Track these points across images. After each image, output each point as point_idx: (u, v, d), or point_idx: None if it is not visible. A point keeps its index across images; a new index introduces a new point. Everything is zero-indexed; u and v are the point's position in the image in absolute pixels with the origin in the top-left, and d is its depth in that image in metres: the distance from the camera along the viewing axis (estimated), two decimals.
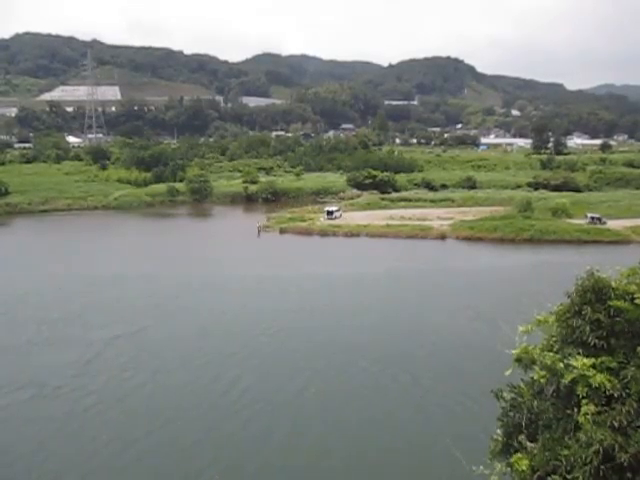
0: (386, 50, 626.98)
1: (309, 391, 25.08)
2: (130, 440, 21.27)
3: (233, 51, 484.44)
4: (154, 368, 27.49)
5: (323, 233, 61.69)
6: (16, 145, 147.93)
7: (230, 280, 42.96)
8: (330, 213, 68.10)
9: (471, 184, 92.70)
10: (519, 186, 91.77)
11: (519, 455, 6.84)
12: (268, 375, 26.66)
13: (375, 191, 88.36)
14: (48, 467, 19.83)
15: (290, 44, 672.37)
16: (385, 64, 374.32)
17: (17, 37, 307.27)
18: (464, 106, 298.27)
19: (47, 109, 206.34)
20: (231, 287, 41.33)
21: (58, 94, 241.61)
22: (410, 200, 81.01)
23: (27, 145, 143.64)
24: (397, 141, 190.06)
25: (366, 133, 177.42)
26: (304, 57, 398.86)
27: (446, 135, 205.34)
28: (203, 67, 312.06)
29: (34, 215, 78.29)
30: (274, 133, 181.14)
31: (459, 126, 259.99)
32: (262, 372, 26.95)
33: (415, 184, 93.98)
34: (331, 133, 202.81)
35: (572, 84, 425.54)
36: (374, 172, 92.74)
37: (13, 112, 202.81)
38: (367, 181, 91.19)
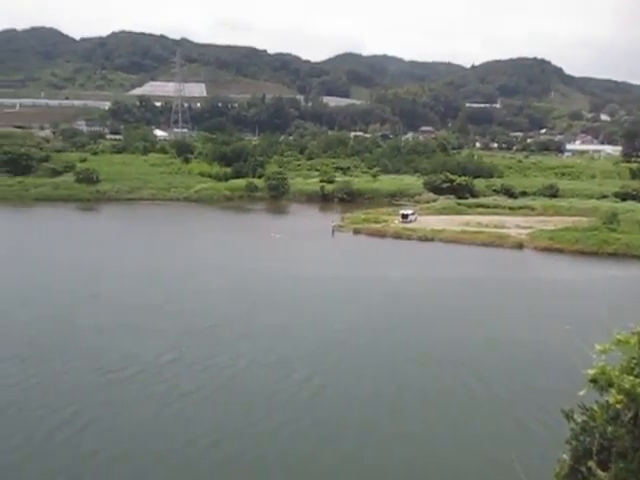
0: (469, 51, 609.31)
1: (381, 395, 25.19)
2: (227, 431, 22.10)
3: (315, 50, 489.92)
4: (234, 361, 28.24)
5: (397, 236, 61.42)
6: (108, 136, 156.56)
7: (304, 278, 43.74)
8: (405, 216, 67.64)
9: (553, 192, 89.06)
10: (605, 196, 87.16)
11: None
12: (342, 376, 26.93)
13: (452, 196, 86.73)
14: (149, 449, 20.89)
15: (371, 44, 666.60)
16: (468, 65, 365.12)
17: (114, 35, 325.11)
18: (549, 110, 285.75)
19: (137, 103, 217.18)
20: (305, 285, 42.10)
21: (148, 89, 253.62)
22: (488, 206, 78.97)
23: (118, 136, 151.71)
24: (477, 145, 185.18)
25: (445, 136, 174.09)
26: (385, 57, 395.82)
27: (529, 140, 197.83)
28: (286, 66, 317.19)
29: (120, 203, 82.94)
30: (352, 133, 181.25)
31: (543, 131, 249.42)
32: (336, 372, 27.27)
33: (494, 190, 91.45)
34: (410, 135, 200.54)
35: None
36: (452, 176, 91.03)
37: (107, 105, 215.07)
38: (444, 185, 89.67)
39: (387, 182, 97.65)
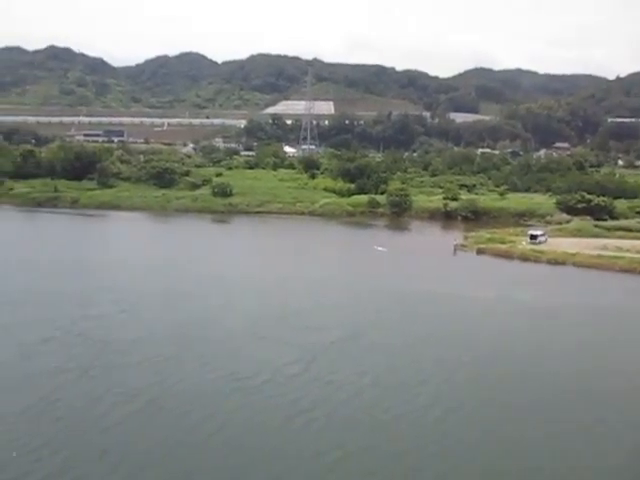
0: (613, 61, 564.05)
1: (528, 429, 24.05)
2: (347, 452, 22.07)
3: (444, 66, 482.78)
4: (358, 378, 28.28)
5: (524, 258, 58.50)
6: (242, 153, 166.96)
7: (424, 297, 43.32)
8: (534, 237, 64.26)
9: None
10: None
11: None
12: (472, 406, 25.87)
13: (588, 217, 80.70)
14: (276, 460, 21.40)
15: (504, 58, 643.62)
16: (611, 77, 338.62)
17: (251, 58, 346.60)
18: None
19: (270, 121, 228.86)
20: (427, 304, 41.66)
21: (280, 108, 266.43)
22: (630, 230, 72.32)
23: (251, 153, 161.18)
24: (619, 163, 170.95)
25: (583, 153, 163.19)
26: (518, 71, 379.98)
27: None
28: (413, 83, 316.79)
29: (250, 215, 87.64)
30: (479, 150, 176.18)
31: None
32: (463, 398, 26.30)
33: (638, 212, 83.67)
34: (542, 152, 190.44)
35: None
36: (588, 196, 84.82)
37: (242, 124, 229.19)
38: (579, 205, 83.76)
39: (515, 201, 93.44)
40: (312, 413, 24.63)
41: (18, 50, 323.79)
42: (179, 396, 25.96)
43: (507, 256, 59.49)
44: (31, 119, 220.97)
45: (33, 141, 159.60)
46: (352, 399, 26.06)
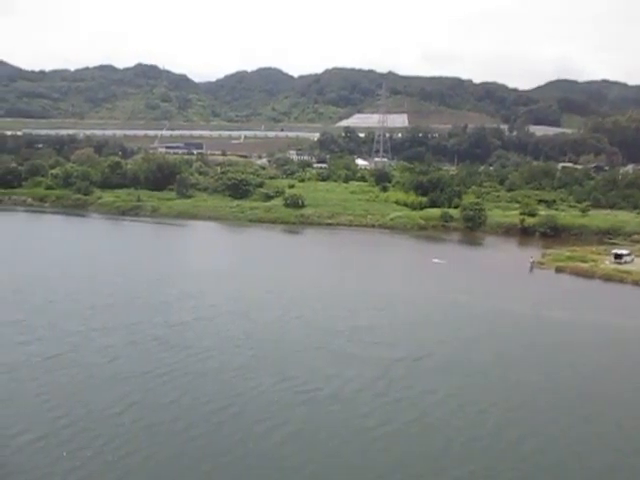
0: None
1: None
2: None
3: (525, 78, 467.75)
4: (425, 396, 27.56)
5: (607, 278, 55.26)
6: (315, 165, 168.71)
7: (497, 315, 41.94)
8: (618, 256, 60.65)
9: None
10: None
11: None
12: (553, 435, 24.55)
13: None
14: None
15: (590, 69, 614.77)
16: None
17: (326, 72, 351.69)
18: None
19: (343, 134, 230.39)
20: (497, 323, 40.31)
21: (354, 121, 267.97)
22: None
23: (323, 165, 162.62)
24: None
25: None
26: (605, 83, 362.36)
27: None
28: (490, 95, 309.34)
29: (321, 227, 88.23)
30: (560, 164, 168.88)
31: None
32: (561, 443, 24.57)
33: None
34: (630, 167, 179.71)
35: None
36: None
37: (316, 136, 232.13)
38: None
39: (598, 218, 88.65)
40: (377, 431, 24.24)
41: (110, 68, 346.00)
42: (257, 410, 26.08)
43: (588, 275, 56.47)
44: (119, 132, 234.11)
45: (120, 153, 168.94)
46: (417, 419, 25.43)
